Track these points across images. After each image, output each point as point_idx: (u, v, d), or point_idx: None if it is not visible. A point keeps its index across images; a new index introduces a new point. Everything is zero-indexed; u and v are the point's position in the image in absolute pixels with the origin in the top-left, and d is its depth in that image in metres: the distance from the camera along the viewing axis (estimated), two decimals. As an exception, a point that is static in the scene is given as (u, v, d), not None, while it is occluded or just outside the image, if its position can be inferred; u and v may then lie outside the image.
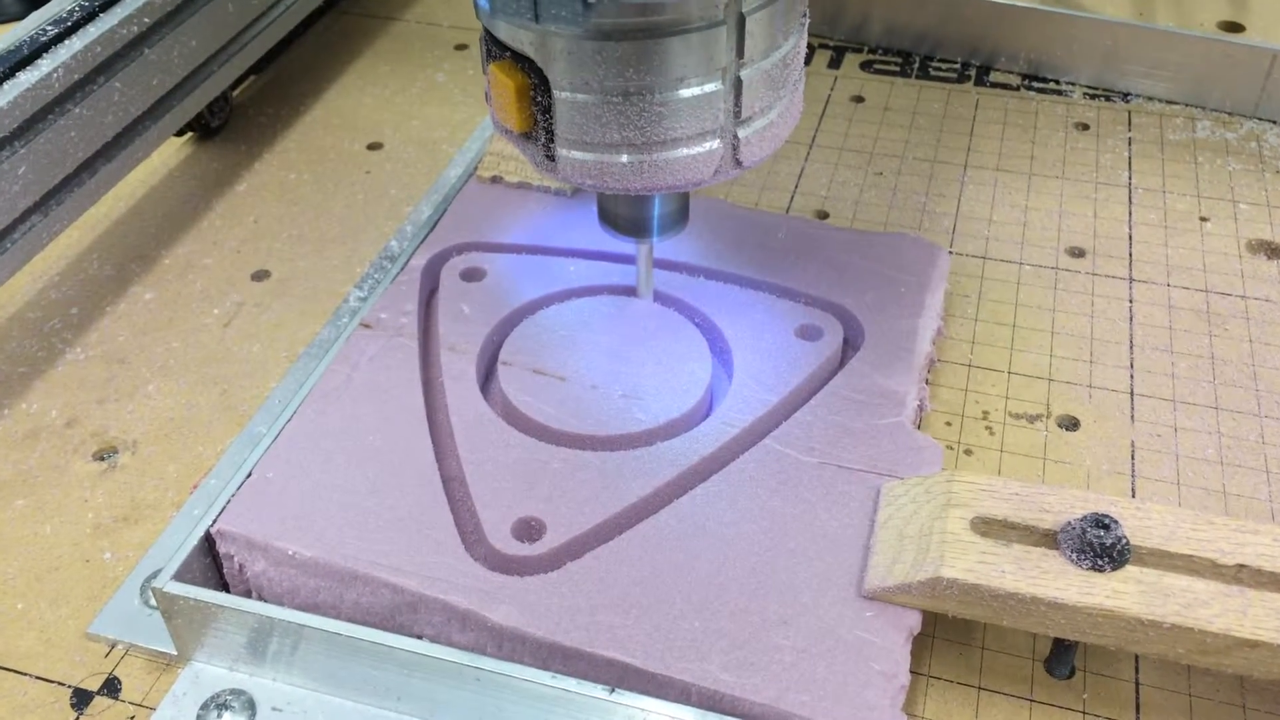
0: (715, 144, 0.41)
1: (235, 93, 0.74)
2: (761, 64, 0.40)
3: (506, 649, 0.40)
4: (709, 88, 0.39)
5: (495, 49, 0.41)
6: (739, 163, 0.42)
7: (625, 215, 0.46)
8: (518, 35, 0.39)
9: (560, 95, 0.39)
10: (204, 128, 0.70)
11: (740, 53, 0.39)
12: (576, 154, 0.41)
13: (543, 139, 0.41)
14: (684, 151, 0.40)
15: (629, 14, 0.37)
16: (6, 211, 0.54)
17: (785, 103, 0.43)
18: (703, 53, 0.39)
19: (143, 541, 0.47)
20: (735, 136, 0.41)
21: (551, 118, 0.40)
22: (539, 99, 0.40)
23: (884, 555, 0.40)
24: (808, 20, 0.43)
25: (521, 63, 0.40)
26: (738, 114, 0.41)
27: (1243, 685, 0.41)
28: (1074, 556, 0.38)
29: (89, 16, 0.58)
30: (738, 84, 0.40)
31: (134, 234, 0.64)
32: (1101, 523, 0.38)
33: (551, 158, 0.41)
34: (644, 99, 0.39)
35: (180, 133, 0.68)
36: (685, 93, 0.39)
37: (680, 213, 0.47)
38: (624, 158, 0.40)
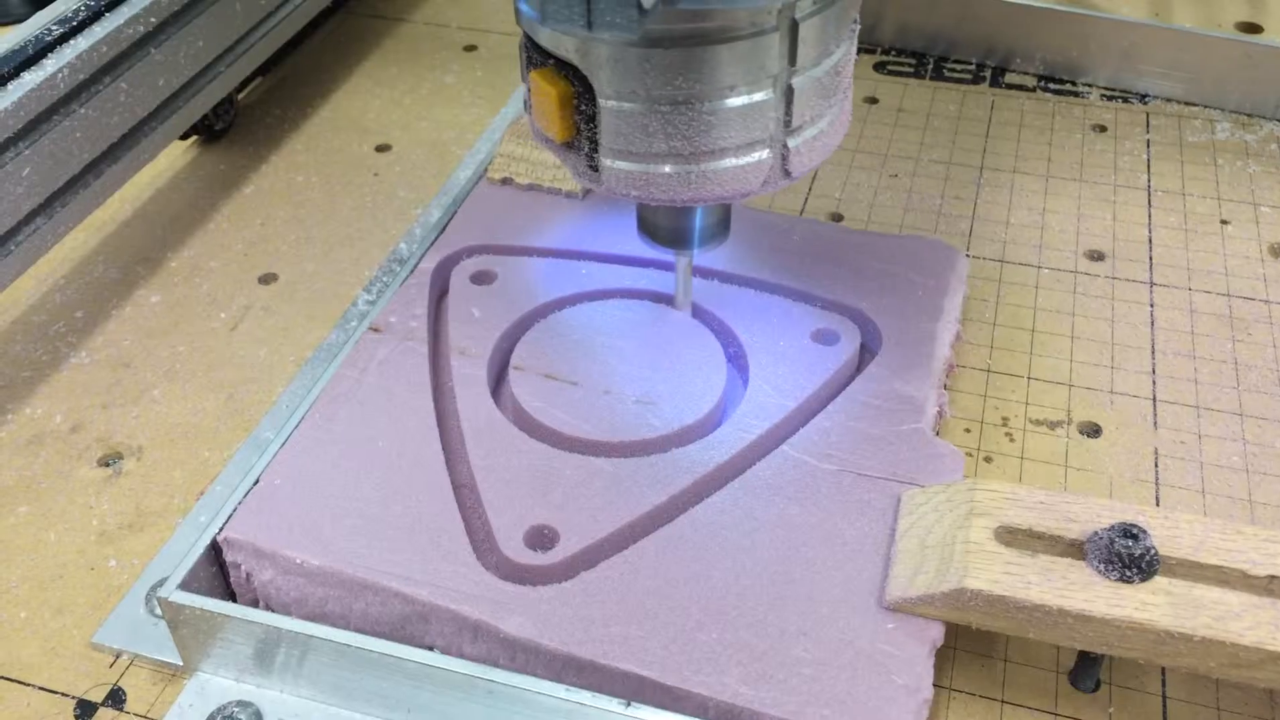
0: (765, 154, 0.40)
1: (241, 95, 0.73)
2: (813, 72, 0.39)
3: (519, 661, 0.39)
4: (759, 96, 0.38)
5: (537, 56, 0.39)
6: (788, 173, 0.41)
7: (666, 226, 0.45)
8: (561, 41, 0.38)
9: (606, 104, 0.38)
10: (209, 131, 0.69)
11: (792, 60, 0.38)
12: (621, 164, 0.39)
13: (586, 148, 0.40)
14: (732, 162, 0.39)
15: (681, 20, 0.36)
16: (11, 213, 0.53)
17: (835, 111, 0.41)
18: (754, 60, 0.37)
19: (148, 549, 0.47)
20: (785, 146, 0.40)
21: (596, 127, 0.39)
22: (583, 107, 0.39)
23: (905, 565, 0.39)
24: (858, 26, 0.41)
25: (565, 70, 0.38)
26: (788, 123, 0.39)
27: (1272, 699, 0.40)
28: (1101, 567, 0.37)
29: (94, 16, 0.57)
30: (789, 92, 0.39)
31: (140, 237, 0.63)
32: (1130, 533, 0.37)
33: (595, 168, 0.40)
34: (693, 108, 0.38)
35: (185, 136, 0.67)
36: (735, 101, 0.38)
37: (722, 224, 0.46)
38: (671, 168, 0.39)
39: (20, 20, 0.69)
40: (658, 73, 0.37)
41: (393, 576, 0.40)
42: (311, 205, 0.65)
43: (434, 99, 0.74)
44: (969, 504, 0.40)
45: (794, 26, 0.37)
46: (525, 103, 0.42)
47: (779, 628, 0.38)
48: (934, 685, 0.37)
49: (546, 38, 0.39)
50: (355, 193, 0.66)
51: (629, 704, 0.36)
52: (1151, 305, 0.56)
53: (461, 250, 0.53)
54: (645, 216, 0.46)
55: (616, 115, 0.38)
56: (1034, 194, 0.63)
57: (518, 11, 0.39)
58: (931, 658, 0.38)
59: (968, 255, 0.58)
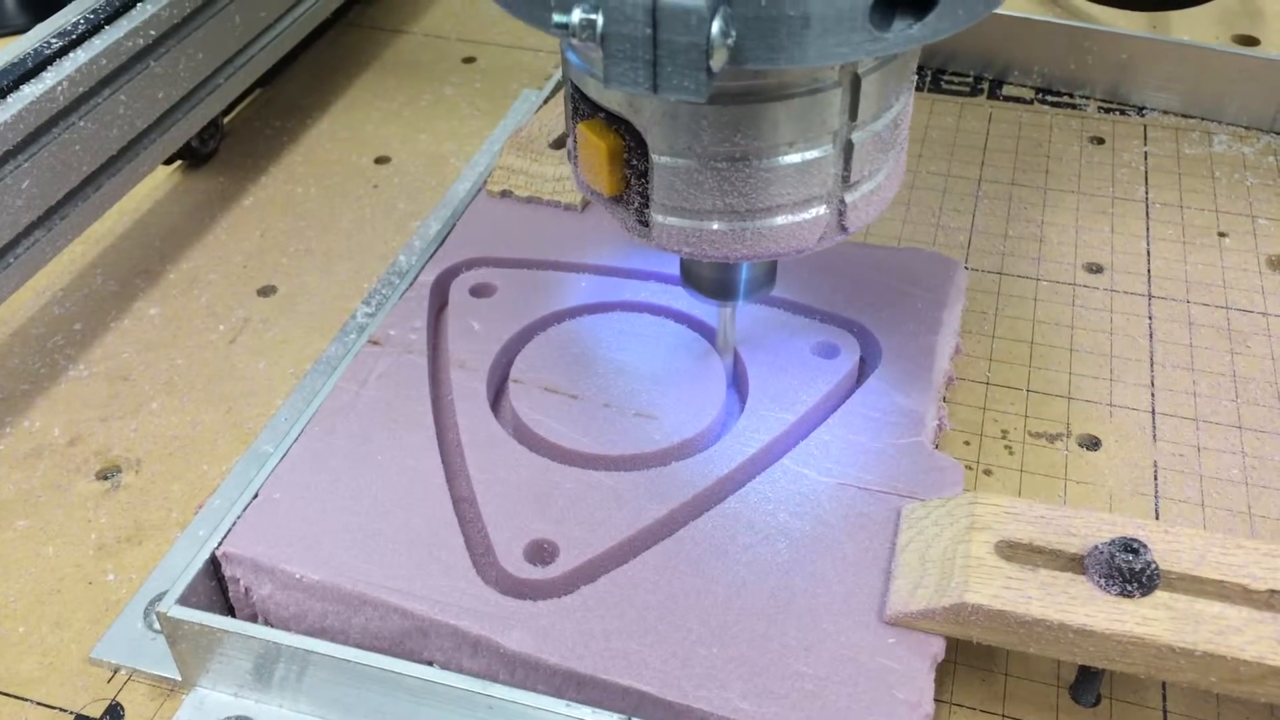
0: (821, 210, 0.38)
1: (230, 116, 0.73)
2: (873, 126, 0.38)
3: (519, 676, 0.39)
4: (819, 152, 0.37)
5: (585, 107, 0.38)
6: (844, 229, 0.40)
7: (711, 277, 0.44)
8: (612, 95, 0.37)
9: (659, 159, 0.37)
10: (194, 155, 0.68)
11: (853, 115, 0.37)
12: (673, 220, 0.38)
13: (636, 203, 0.38)
14: (788, 218, 0.38)
15: (740, 76, 0.35)
16: (10, 226, 0.53)
17: (892, 164, 0.40)
18: (815, 116, 0.36)
19: (146, 563, 0.46)
20: (842, 201, 0.39)
21: (647, 182, 0.38)
22: (634, 162, 0.37)
23: (906, 580, 0.39)
24: (915, 78, 0.40)
25: (615, 123, 0.37)
26: (846, 178, 0.38)
27: (1273, 714, 0.40)
28: (1102, 582, 0.37)
29: (94, 29, 0.57)
30: (848, 147, 0.37)
31: (138, 249, 0.63)
32: (1130, 547, 0.37)
33: (645, 223, 0.39)
34: (750, 164, 0.36)
35: (169, 161, 0.66)
36: (794, 157, 0.37)
37: (769, 275, 0.44)
38: (724, 225, 0.38)
39: (20, 32, 0.69)
40: (714, 129, 0.36)
41: (392, 591, 0.40)
42: (310, 217, 0.65)
43: (433, 111, 0.74)
44: (969, 518, 0.40)
45: (856, 82, 0.36)
46: (569, 153, 0.41)
47: (779, 642, 0.38)
48: (935, 699, 0.37)
49: (595, 89, 0.37)
50: (354, 205, 0.66)
51: (629, 719, 0.36)
52: (1150, 318, 0.56)
53: (461, 263, 0.53)
54: (690, 267, 0.44)
55: (670, 171, 0.37)
56: (1032, 206, 0.63)
57: (565, 61, 0.38)
58: (932, 672, 0.38)
59: (966, 268, 0.59)
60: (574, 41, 0.31)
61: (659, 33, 0.30)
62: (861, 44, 0.32)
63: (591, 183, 0.39)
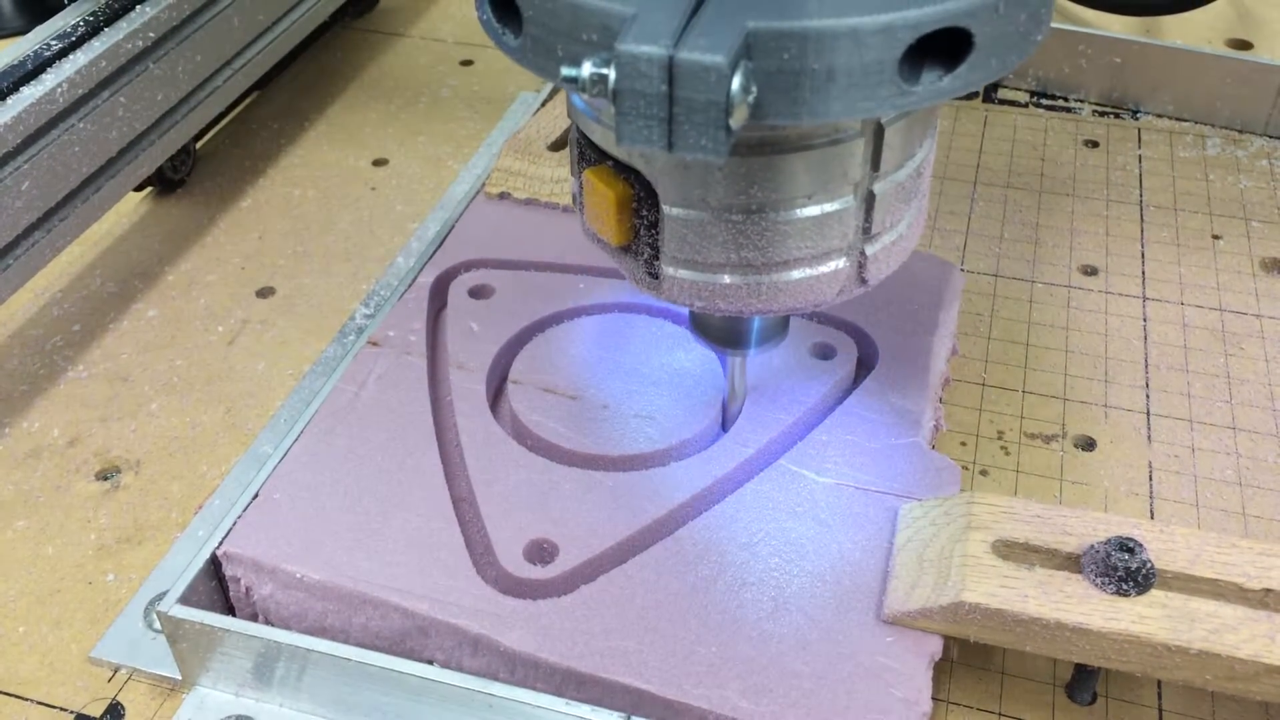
0: (841, 263, 0.37)
1: (199, 143, 0.72)
2: (896, 175, 0.36)
3: (519, 674, 0.39)
4: (839, 204, 0.35)
5: (592, 153, 0.36)
6: (864, 281, 0.38)
7: (720, 325, 0.42)
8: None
9: (670, 211, 0.35)
10: (165, 181, 0.66)
11: (876, 165, 0.35)
12: (684, 273, 0.36)
13: (645, 255, 0.36)
14: (806, 272, 0.36)
15: (761, 128, 0.33)
16: (9, 227, 0.53)
17: (913, 213, 0.38)
18: (835, 167, 0.34)
19: (146, 563, 0.47)
20: (862, 253, 0.37)
21: (657, 233, 0.36)
22: (643, 212, 0.35)
23: (903, 579, 0.39)
24: (939, 122, 0.38)
25: (624, 171, 0.35)
26: (867, 230, 0.36)
27: (1268, 711, 0.41)
28: (1098, 580, 0.37)
29: (93, 31, 0.57)
30: (870, 198, 0.36)
31: (137, 250, 0.63)
32: (1126, 546, 0.37)
33: (655, 275, 0.37)
34: (767, 217, 0.35)
35: (140, 188, 0.65)
36: (812, 210, 0.35)
37: (782, 324, 0.43)
38: (739, 279, 0.36)
39: (19, 34, 0.69)
40: (729, 181, 0.34)
41: (392, 590, 0.40)
42: (309, 219, 0.65)
43: (431, 113, 0.74)
44: (966, 517, 0.40)
45: (879, 131, 0.34)
46: (574, 198, 0.39)
47: (778, 641, 0.38)
48: (932, 698, 0.38)
49: (602, 136, 0.35)
50: (352, 207, 0.66)
51: (629, 717, 0.36)
52: (1144, 320, 0.56)
53: (459, 264, 0.54)
54: (696, 314, 0.43)
55: (681, 223, 0.35)
56: (1027, 209, 0.63)
57: (571, 105, 0.37)
58: (930, 670, 0.38)
59: (962, 270, 0.59)
60: (584, 96, 0.29)
61: (675, 89, 0.27)
62: (888, 98, 0.30)
63: (598, 232, 0.37)
